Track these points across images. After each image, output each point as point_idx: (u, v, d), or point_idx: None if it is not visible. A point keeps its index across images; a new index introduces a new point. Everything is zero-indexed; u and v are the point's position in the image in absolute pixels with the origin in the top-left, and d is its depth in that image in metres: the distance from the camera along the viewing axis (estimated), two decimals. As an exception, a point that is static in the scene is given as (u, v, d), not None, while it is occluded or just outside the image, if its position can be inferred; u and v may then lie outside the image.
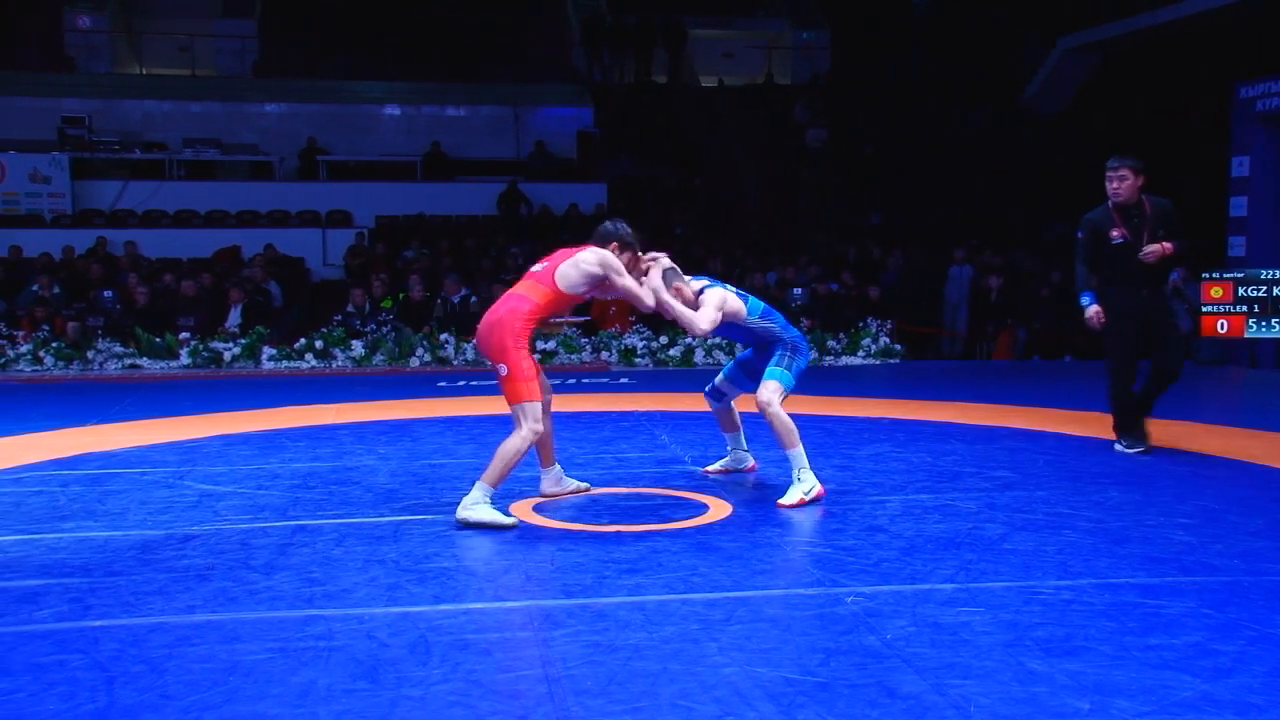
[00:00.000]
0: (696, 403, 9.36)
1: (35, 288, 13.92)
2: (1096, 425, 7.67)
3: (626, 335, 12.76)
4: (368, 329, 12.76)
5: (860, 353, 12.85)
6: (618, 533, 5.05)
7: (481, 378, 11.38)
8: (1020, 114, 20.78)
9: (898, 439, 7.50)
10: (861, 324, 13.13)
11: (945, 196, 18.49)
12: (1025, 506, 5.48)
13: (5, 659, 3.52)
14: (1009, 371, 12.35)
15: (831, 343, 12.89)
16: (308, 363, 12.15)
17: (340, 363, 12.24)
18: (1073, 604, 3.98)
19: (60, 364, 11.99)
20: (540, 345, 12.39)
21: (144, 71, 21.94)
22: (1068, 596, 4.06)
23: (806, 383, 9.53)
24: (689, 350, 12.52)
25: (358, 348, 12.35)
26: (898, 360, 12.91)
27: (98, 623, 3.85)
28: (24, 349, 12.03)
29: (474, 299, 13.76)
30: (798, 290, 13.98)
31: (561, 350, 12.43)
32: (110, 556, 4.69)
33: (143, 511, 5.51)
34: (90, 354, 12.07)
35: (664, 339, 12.64)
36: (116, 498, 5.78)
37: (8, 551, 4.77)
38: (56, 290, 13.92)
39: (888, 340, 13.01)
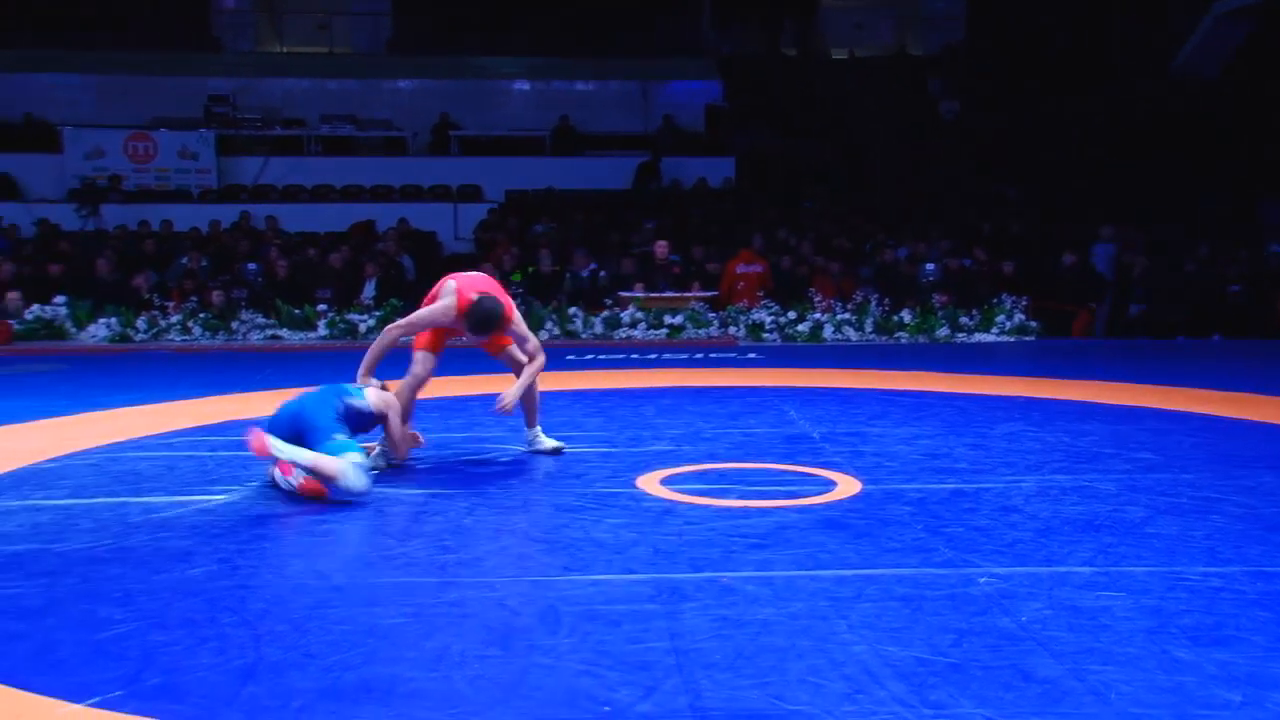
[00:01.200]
0: (824, 379, 9.28)
1: (184, 261, 14.47)
2: (1248, 406, 7.36)
3: (754, 310, 12.69)
4: (498, 302, 12.94)
5: (994, 330, 12.55)
6: (745, 508, 5.04)
7: (610, 352, 11.46)
8: (1171, 82, 19.93)
9: (1033, 418, 7.31)
10: (995, 300, 12.82)
11: (1086, 168, 17.89)
12: (1169, 489, 5.29)
13: (162, 614, 3.68)
14: (1152, 350, 11.92)
15: (964, 319, 12.61)
16: (440, 335, 12.38)
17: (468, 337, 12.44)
18: (1222, 591, 3.83)
19: (207, 334, 12.45)
20: (668, 319, 12.40)
21: (284, 50, 22.57)
22: (1216, 584, 3.91)
23: (937, 359, 9.34)
24: (817, 326, 12.40)
25: (488, 320, 12.53)
26: (1033, 338, 12.57)
27: (246, 583, 4.00)
28: (174, 319, 12.53)
29: (602, 273, 13.84)
30: (929, 265, 13.71)
31: (689, 325, 12.42)
32: (255, 519, 4.86)
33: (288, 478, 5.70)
34: (234, 325, 12.50)
35: (792, 314, 12.53)
36: (260, 463, 5.98)
37: (162, 512, 4.98)
38: (204, 263, 14.45)
39: (1023, 317, 12.67)
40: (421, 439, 6.15)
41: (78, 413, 7.63)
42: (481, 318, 5.80)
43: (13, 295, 12.64)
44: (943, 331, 12.46)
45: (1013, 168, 18.59)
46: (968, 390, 8.51)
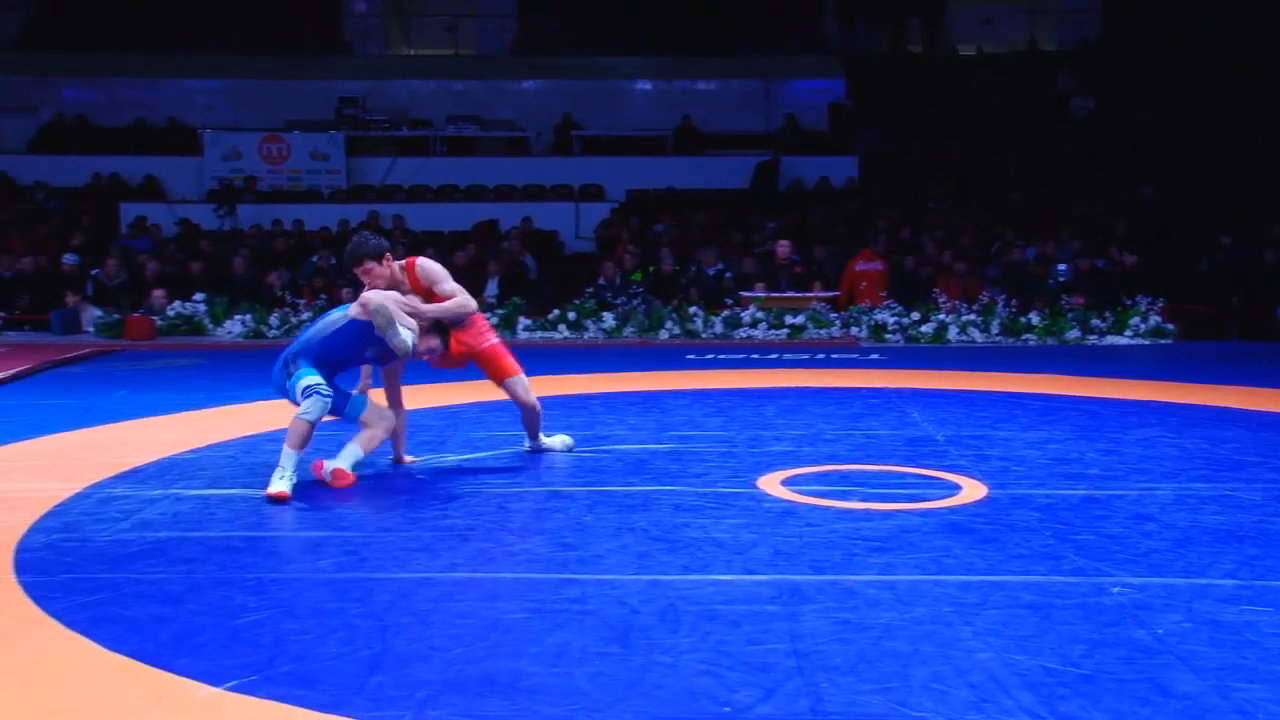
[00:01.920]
0: (949, 380, 9.11)
1: (315, 259, 14.88)
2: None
3: (877, 311, 12.52)
4: (618, 301, 13.00)
5: (1127, 332, 12.15)
6: (867, 510, 4.97)
7: (730, 351, 11.42)
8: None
9: (1170, 423, 7.05)
10: (1130, 301, 12.41)
11: (1231, 166, 17.18)
12: (1318, 501, 5.06)
13: (293, 603, 3.79)
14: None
15: (1096, 321, 12.24)
16: (560, 333, 12.50)
17: (591, 334, 12.53)
18: (1374, 609, 3.64)
19: (336, 331, 12.78)
20: (789, 319, 12.31)
21: (412, 52, 23.04)
22: (1368, 600, 3.72)
23: (1066, 362, 9.09)
24: (942, 327, 12.17)
25: (609, 319, 12.61)
26: (1170, 340, 12.13)
27: (372, 575, 4.09)
28: (305, 316, 12.88)
29: (728, 274, 13.81)
30: (1061, 266, 13.32)
31: (810, 325, 12.31)
32: (381, 513, 4.98)
33: (409, 472, 5.82)
34: (363, 322, 12.80)
35: (915, 315, 12.33)
36: (387, 457, 6.12)
37: (294, 504, 5.13)
38: (333, 261, 14.83)
39: (1159, 319, 12.23)
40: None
41: (215, 406, 7.91)
42: (350, 248, 5.72)
43: (158, 294, 13.16)
44: (1073, 334, 12.12)
45: (1151, 165, 17.95)
46: (1100, 394, 8.25)
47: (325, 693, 3.07)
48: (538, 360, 10.66)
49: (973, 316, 12.33)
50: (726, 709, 2.96)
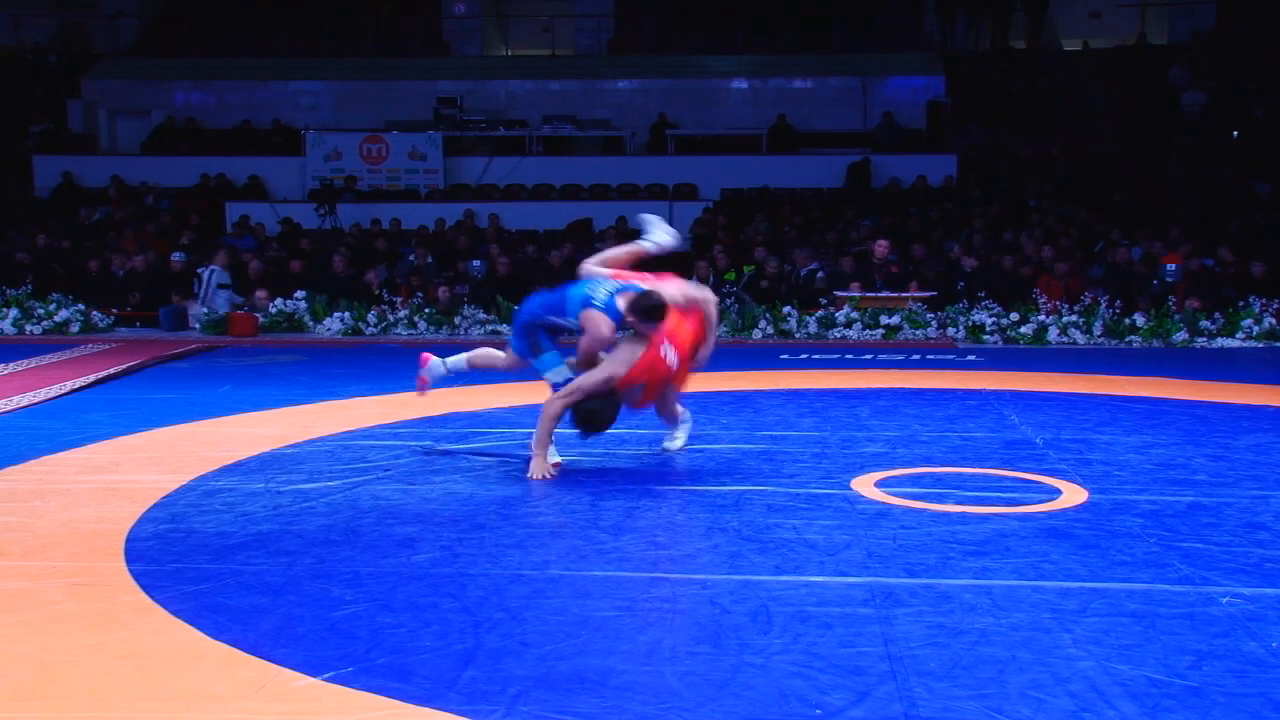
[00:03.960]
0: (1049, 382, 8.91)
1: (411, 257, 15.11)
2: None
3: (974, 311, 12.31)
4: (711, 300, 12.98)
5: (1239, 334, 11.76)
6: (963, 513, 4.89)
7: (824, 352, 11.32)
8: None
9: (1282, 429, 6.81)
10: (1242, 303, 12.01)
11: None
12: None
13: (389, 596, 3.85)
14: None
15: (1205, 323, 11.87)
16: (654, 332, 12.50)
17: (685, 333, 12.52)
18: None
19: (432, 329, 12.96)
20: (884, 319, 12.16)
21: (509, 52, 23.27)
22: None
23: (1173, 365, 8.85)
24: (1042, 328, 11.91)
25: (701, 318, 12.58)
26: (1285, 344, 11.71)
27: (465, 570, 4.14)
28: (401, 314, 13.10)
29: (820, 273, 13.70)
30: (1171, 266, 12.93)
31: (906, 326, 12.15)
32: (475, 510, 5.03)
33: (503, 469, 5.87)
34: (457, 320, 12.97)
35: (1014, 316, 12.09)
36: (481, 455, 6.19)
37: (390, 499, 5.22)
38: (429, 260, 15.05)
39: (1274, 321, 11.81)
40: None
41: (314, 401, 8.07)
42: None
43: (260, 293, 13.48)
44: (1180, 336, 11.77)
45: (1267, 162, 17.35)
46: (1208, 398, 8.00)
47: (420, 686, 3.11)
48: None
49: (1074, 317, 12.04)
50: (818, 711, 2.94)
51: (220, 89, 21.21)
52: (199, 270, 14.10)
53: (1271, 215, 15.11)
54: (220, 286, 13.76)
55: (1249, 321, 11.80)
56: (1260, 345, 11.65)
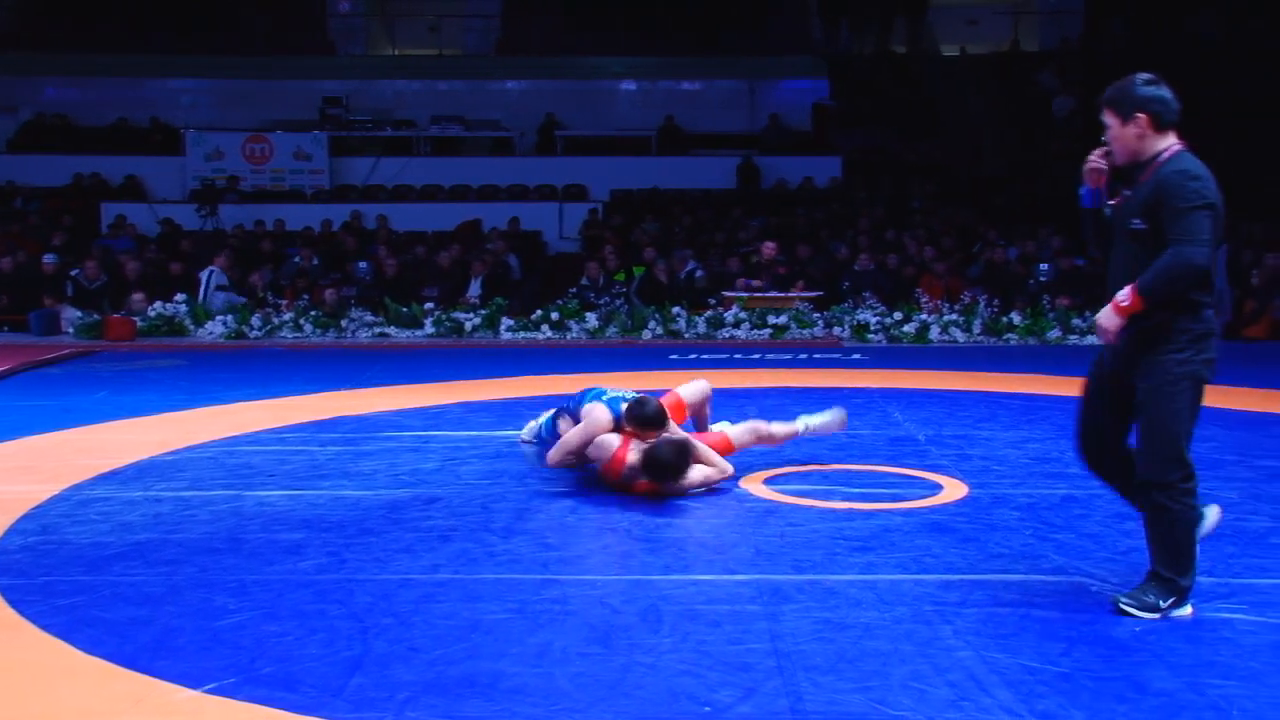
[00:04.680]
0: (931, 380, 9.13)
1: (297, 259, 14.83)
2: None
3: (860, 311, 12.55)
4: (601, 301, 13.00)
5: (1108, 331, 12.20)
6: (849, 510, 4.99)
7: (713, 351, 11.43)
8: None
9: (1149, 423, 7.08)
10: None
11: (1213, 166, 17.19)
12: (1294, 499, 5.09)
13: (274, 604, 3.78)
14: (1279, 354, 11.47)
15: (1077, 321, 12.29)
16: (544, 334, 12.49)
17: (575, 334, 12.53)
18: (1349, 606, 3.67)
19: (318, 332, 12.75)
20: (772, 319, 12.33)
21: (396, 52, 22.97)
22: (1343, 598, 3.75)
23: (1048, 361, 9.12)
24: (924, 327, 12.21)
25: (592, 319, 12.61)
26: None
27: (353, 576, 4.08)
28: (286, 317, 12.85)
29: (699, 273, 13.83)
30: (1043, 265, 13.37)
31: (794, 325, 12.33)
32: (363, 514, 4.96)
33: (392, 473, 5.81)
34: (344, 322, 12.78)
35: (898, 315, 12.36)
36: (368, 459, 6.11)
37: (275, 505, 5.12)
38: (315, 261, 14.79)
39: (1139, 319, 12.29)
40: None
41: (196, 407, 7.87)
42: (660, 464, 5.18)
43: (137, 296, 13.09)
44: (1054, 333, 12.17)
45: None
46: (1080, 394, 8.27)
47: (306, 695, 3.07)
48: (520, 361, 10.67)
49: (955, 316, 12.36)
50: (707, 709, 2.97)
51: (94, 85, 20.52)
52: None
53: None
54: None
55: (1118, 319, 12.25)
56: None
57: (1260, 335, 12.64)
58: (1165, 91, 3.61)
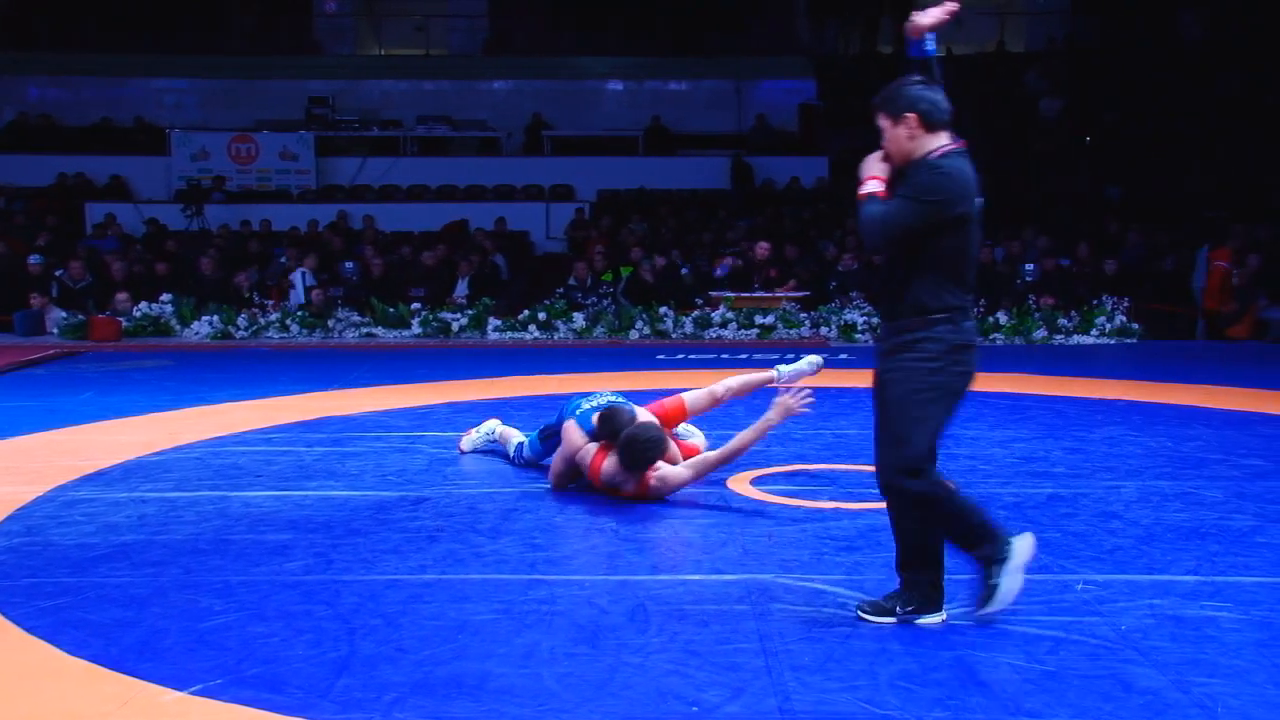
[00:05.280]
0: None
1: (283, 259, 14.79)
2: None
3: (846, 311, 12.57)
4: (589, 301, 13.00)
5: (1093, 331, 12.25)
6: (836, 509, 4.99)
7: (700, 351, 11.44)
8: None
9: (1134, 422, 7.12)
10: (1096, 301, 12.52)
11: (1197, 168, 17.32)
12: None
13: (260, 605, 3.77)
14: (1265, 354, 11.53)
15: (1062, 320, 12.34)
16: (531, 334, 12.48)
17: (562, 334, 12.52)
18: (1333, 604, 3.69)
19: (304, 332, 12.71)
20: (759, 319, 12.34)
21: (383, 52, 22.92)
22: (1327, 596, 3.77)
23: (1033, 361, 9.14)
24: (911, 326, 12.23)
25: (579, 319, 12.60)
26: (1135, 340, 12.25)
27: (340, 577, 4.07)
28: (273, 317, 12.81)
29: (684, 270, 13.85)
30: (1028, 265, 13.41)
31: (780, 325, 12.35)
32: (350, 515, 4.95)
33: (379, 474, 5.80)
34: (330, 323, 12.75)
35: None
36: (355, 460, 6.10)
37: (261, 506, 5.10)
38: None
39: (1124, 319, 12.34)
40: None
41: (182, 408, 7.84)
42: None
43: (121, 296, 13.04)
44: (1040, 333, 12.21)
45: (1117, 166, 18.09)
46: (1066, 393, 8.32)
47: (292, 696, 3.06)
48: (507, 361, 10.66)
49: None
50: (694, 708, 2.97)
51: (78, 84, 20.42)
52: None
53: (1122, 218, 15.75)
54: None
55: (1102, 319, 12.30)
56: (1113, 342, 12.16)
57: (1243, 335, 12.71)
58: (936, 93, 3.59)
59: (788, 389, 5.14)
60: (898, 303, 3.55)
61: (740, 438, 5.13)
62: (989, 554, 3.48)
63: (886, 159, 3.67)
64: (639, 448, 5.04)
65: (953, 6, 3.71)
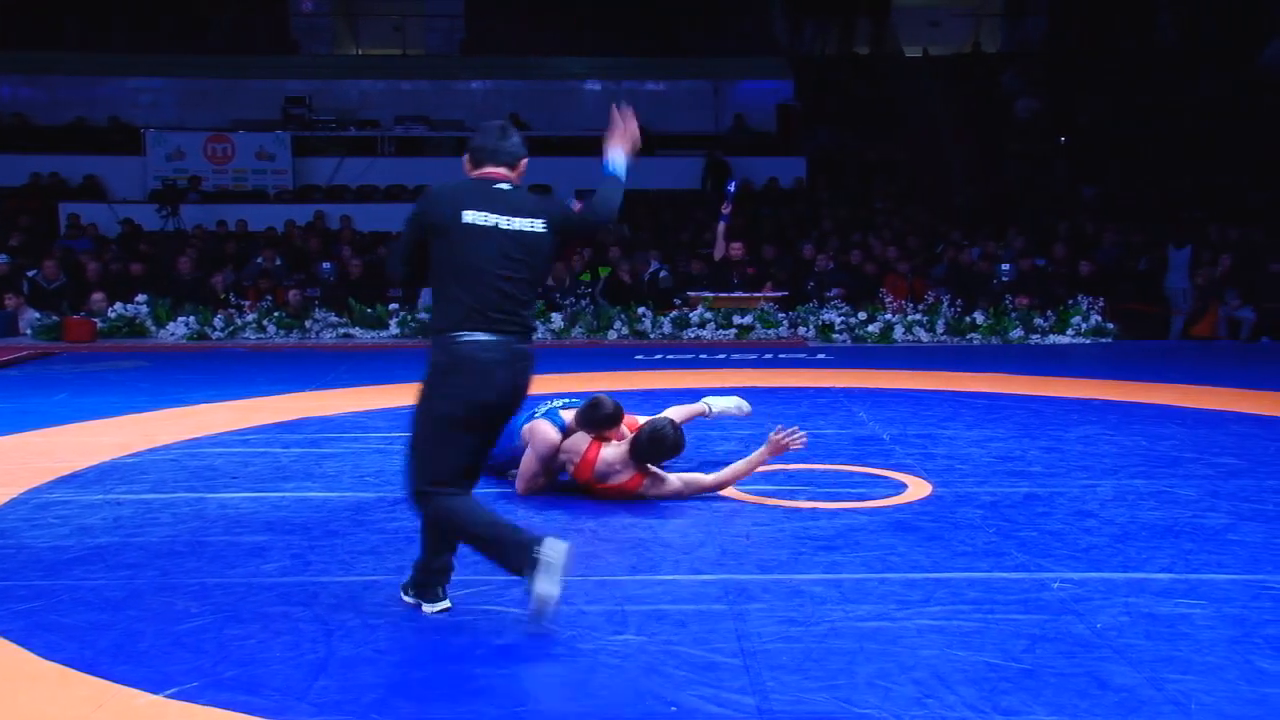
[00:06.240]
0: (895, 380, 9.19)
1: (259, 260, 14.71)
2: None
3: (824, 310, 12.61)
4: (567, 302, 12.99)
5: (1069, 331, 12.33)
6: (814, 509, 5.01)
7: (678, 352, 11.45)
8: (1258, 78, 19.27)
9: (1109, 421, 7.17)
10: (1071, 301, 12.60)
11: (1173, 169, 17.46)
12: (1254, 496, 5.16)
13: (237, 607, 3.75)
14: (1237, 353, 11.63)
15: (1039, 320, 12.41)
16: (510, 334, 12.45)
17: (540, 335, 12.50)
18: (1305, 601, 3.72)
19: (281, 332, 12.65)
20: (737, 319, 12.36)
21: (360, 52, 22.85)
22: (1299, 593, 3.80)
23: (1010, 361, 9.18)
24: (888, 327, 12.28)
25: (557, 320, 12.59)
26: (1110, 340, 12.33)
27: (317, 579, 4.06)
28: (249, 318, 12.74)
29: (663, 272, 13.85)
30: (1005, 266, 13.49)
31: (758, 325, 12.37)
32: (328, 516, 4.93)
33: (356, 475, 5.77)
34: (308, 323, 12.69)
35: (862, 315, 12.42)
36: (333, 460, 6.07)
37: (238, 508, 5.08)
38: (279, 262, 14.68)
39: (1099, 318, 12.43)
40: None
41: (158, 409, 7.79)
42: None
43: (97, 296, 12.94)
44: (1016, 333, 12.27)
45: (1092, 167, 18.22)
46: (1042, 392, 8.36)
47: (269, 699, 3.04)
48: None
49: (918, 316, 12.44)
50: (673, 708, 2.98)
51: (52, 84, 20.25)
52: (29, 273, 13.48)
53: (1097, 218, 15.86)
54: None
55: (1078, 319, 12.38)
56: (1088, 341, 12.24)
57: (1205, 334, 12.83)
58: (489, 139, 3.86)
59: (781, 429, 5.19)
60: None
61: (734, 468, 5.24)
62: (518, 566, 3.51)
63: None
64: (663, 444, 5.11)
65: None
